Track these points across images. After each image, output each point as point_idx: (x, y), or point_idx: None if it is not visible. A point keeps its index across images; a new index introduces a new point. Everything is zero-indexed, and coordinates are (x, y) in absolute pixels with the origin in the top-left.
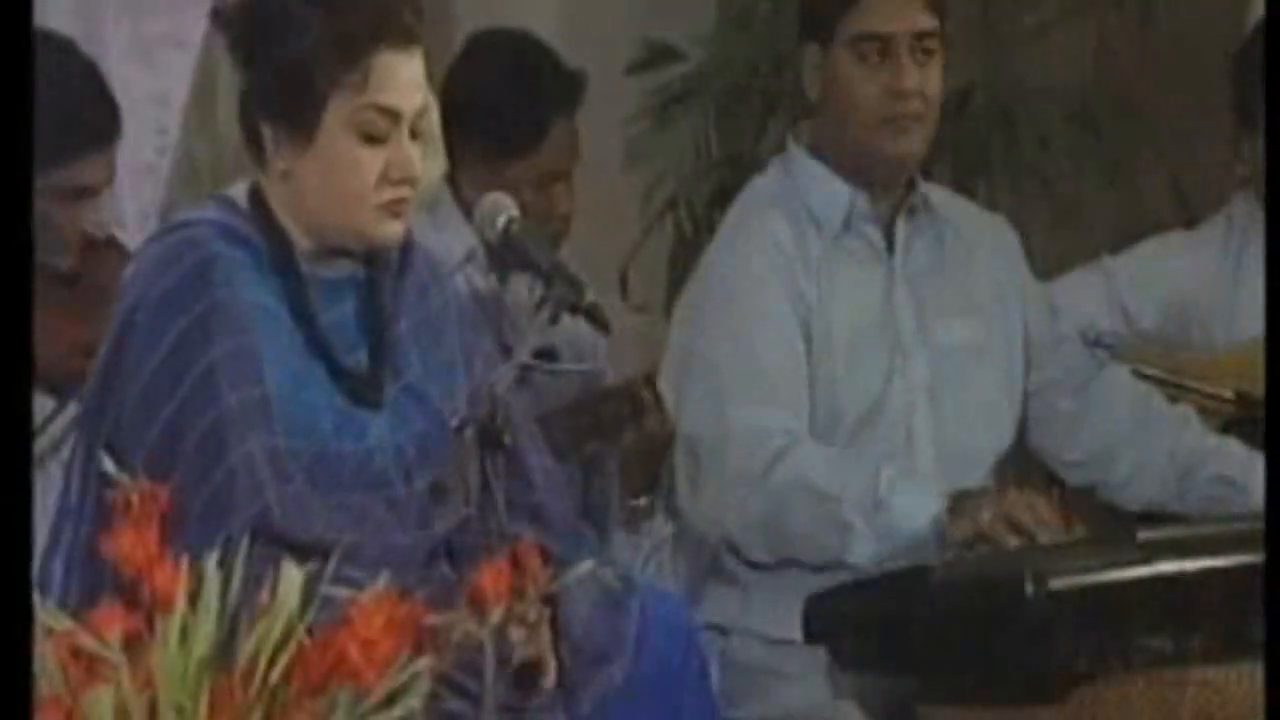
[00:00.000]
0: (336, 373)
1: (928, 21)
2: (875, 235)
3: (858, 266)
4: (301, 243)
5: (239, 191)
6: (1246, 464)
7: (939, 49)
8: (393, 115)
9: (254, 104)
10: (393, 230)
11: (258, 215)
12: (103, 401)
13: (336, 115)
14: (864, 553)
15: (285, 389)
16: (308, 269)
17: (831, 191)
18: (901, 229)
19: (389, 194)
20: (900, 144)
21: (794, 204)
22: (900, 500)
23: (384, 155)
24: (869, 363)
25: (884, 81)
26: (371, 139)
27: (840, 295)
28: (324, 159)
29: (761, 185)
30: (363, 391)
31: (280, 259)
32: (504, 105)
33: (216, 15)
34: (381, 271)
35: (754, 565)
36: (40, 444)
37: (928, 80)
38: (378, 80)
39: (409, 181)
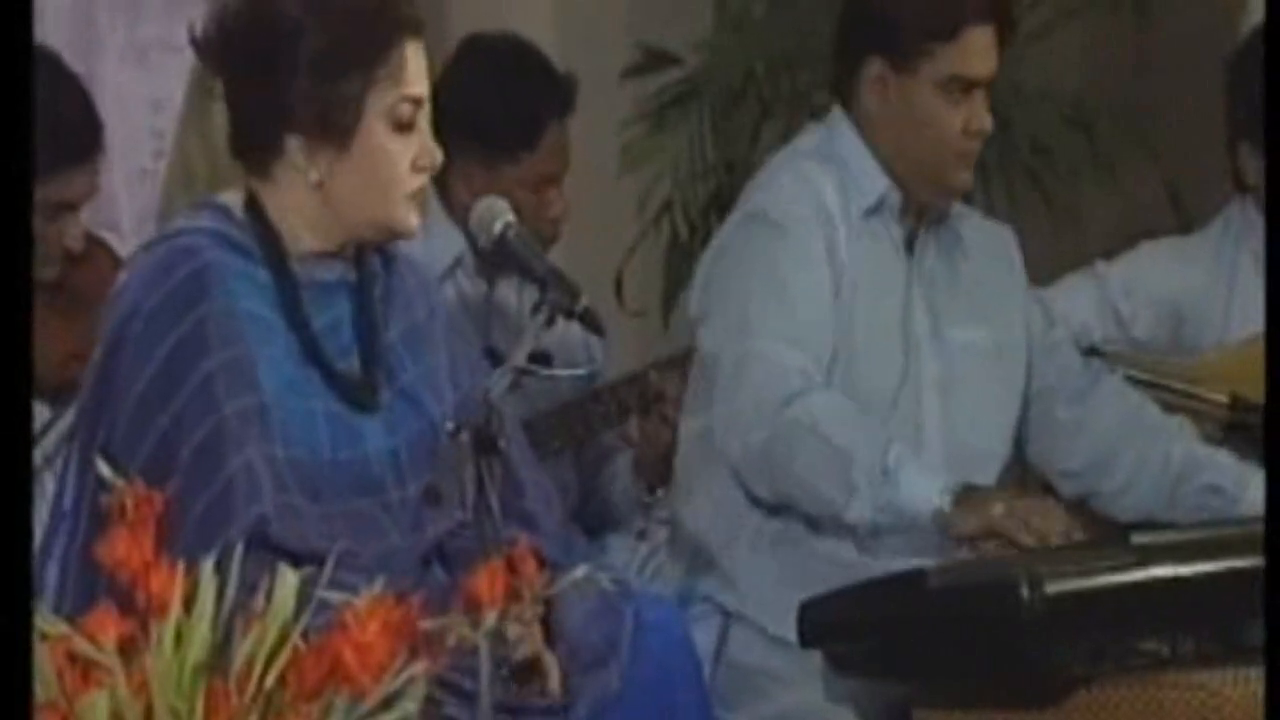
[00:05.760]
0: (331, 378)
1: (997, 64)
2: (898, 233)
3: (879, 256)
4: (303, 245)
5: (233, 198)
6: (1237, 475)
7: None
8: (417, 103)
9: (274, 123)
10: (415, 220)
11: (253, 222)
12: (97, 410)
13: (374, 111)
14: (862, 517)
15: (281, 396)
16: (301, 273)
17: (871, 173)
18: (921, 237)
19: (416, 182)
20: (964, 177)
21: (838, 167)
22: (906, 477)
23: (414, 143)
24: (884, 355)
25: (964, 120)
26: (402, 128)
27: (863, 278)
28: (364, 157)
29: (806, 143)
30: (357, 396)
31: (274, 266)
32: (499, 109)
33: (209, 41)
34: (370, 276)
35: (764, 505)
36: (35, 455)
37: (988, 117)
38: (407, 70)
39: (432, 168)
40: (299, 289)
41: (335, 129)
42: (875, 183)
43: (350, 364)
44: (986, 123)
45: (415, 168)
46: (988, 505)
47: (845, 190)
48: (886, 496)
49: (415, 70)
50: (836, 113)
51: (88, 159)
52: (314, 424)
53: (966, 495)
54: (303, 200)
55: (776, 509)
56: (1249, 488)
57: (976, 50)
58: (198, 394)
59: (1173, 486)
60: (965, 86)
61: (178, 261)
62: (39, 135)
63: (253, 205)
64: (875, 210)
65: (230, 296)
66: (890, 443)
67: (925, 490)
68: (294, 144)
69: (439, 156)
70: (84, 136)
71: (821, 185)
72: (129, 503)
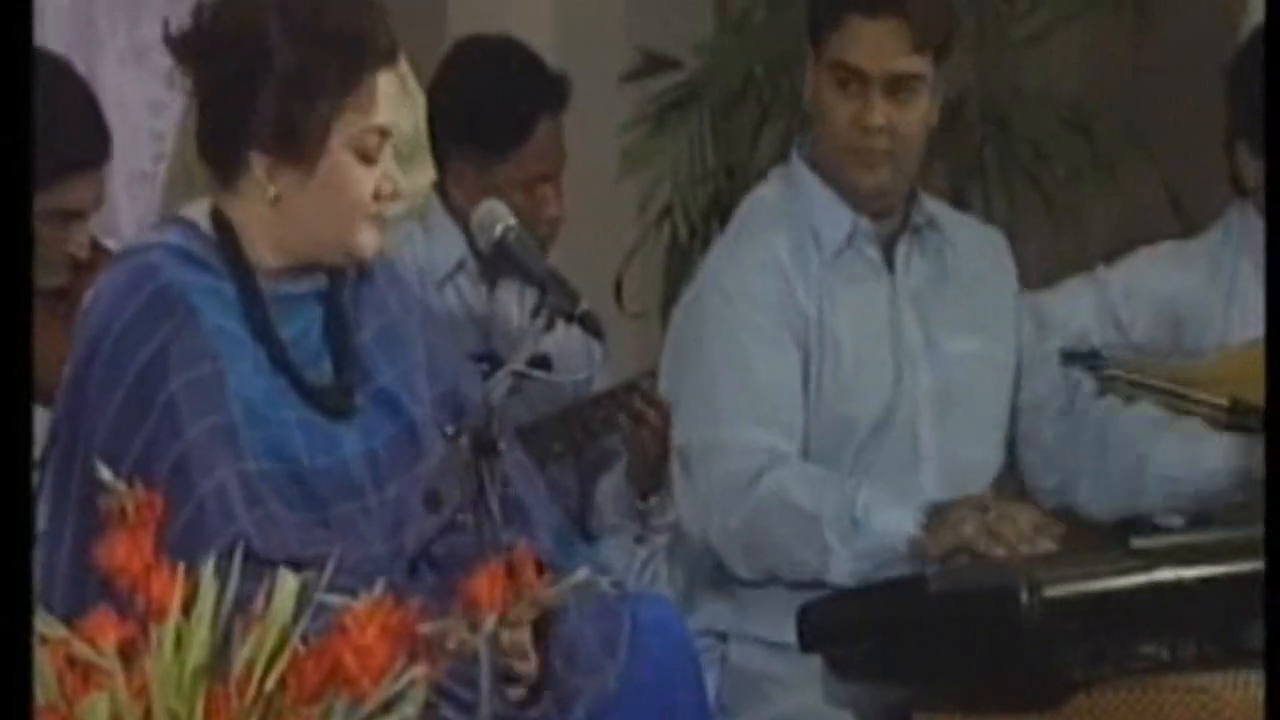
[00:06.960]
0: (304, 388)
1: (909, 65)
2: (875, 254)
3: (859, 283)
4: (266, 261)
5: (198, 211)
6: (1181, 455)
7: (925, 91)
8: (383, 134)
9: (239, 136)
10: (375, 241)
11: (221, 238)
12: (72, 432)
13: (339, 138)
14: (843, 572)
15: (254, 411)
16: (268, 286)
17: (834, 213)
18: (903, 247)
19: (376, 208)
20: (865, 177)
21: (796, 220)
22: (877, 520)
23: (376, 172)
24: (876, 371)
25: (853, 112)
26: (366, 158)
27: (843, 309)
28: (326, 182)
29: (763, 198)
30: (331, 402)
31: (242, 280)
32: (490, 106)
33: (185, 44)
34: (340, 281)
35: (748, 584)
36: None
37: (903, 119)
38: (376, 101)
39: (395, 196)
40: (265, 302)
41: (299, 151)
42: (840, 222)
43: (322, 371)
44: (876, 118)
45: (377, 195)
46: (957, 524)
47: (807, 240)
48: (862, 543)
49: (385, 101)
50: (794, 154)
51: (95, 167)
52: (289, 434)
53: (937, 516)
54: (263, 216)
55: (759, 584)
56: (1197, 465)
57: (863, 41)
58: (166, 416)
59: (1131, 493)
60: (858, 79)
61: (142, 280)
62: (47, 142)
63: (219, 218)
64: (848, 243)
65: (195, 314)
66: (858, 491)
67: (897, 522)
68: (257, 159)
69: (403, 184)
70: (93, 144)
71: (776, 248)
72: (129, 506)
